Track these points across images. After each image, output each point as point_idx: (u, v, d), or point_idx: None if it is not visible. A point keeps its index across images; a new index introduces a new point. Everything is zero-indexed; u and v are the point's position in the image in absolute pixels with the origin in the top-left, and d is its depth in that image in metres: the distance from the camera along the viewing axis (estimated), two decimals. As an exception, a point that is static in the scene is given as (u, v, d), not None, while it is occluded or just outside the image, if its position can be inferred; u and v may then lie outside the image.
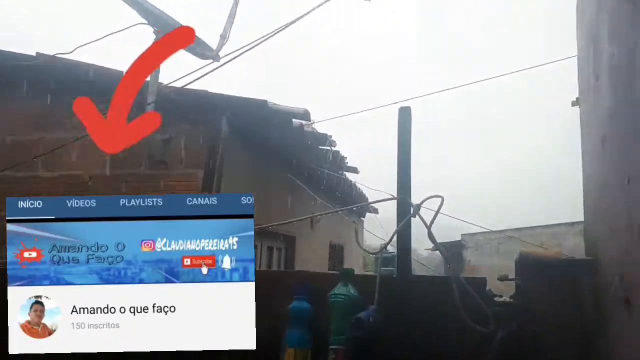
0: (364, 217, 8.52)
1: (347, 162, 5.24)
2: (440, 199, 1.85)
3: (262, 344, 1.85)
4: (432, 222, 1.86)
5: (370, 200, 6.24)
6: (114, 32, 3.60)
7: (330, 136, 4.39)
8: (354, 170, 5.58)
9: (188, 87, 3.56)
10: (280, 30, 2.71)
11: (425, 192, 1.92)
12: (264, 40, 2.72)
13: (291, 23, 2.72)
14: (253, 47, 2.70)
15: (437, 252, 2.20)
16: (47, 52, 3.61)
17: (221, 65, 2.74)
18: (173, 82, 3.06)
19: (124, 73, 3.71)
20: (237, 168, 3.95)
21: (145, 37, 3.57)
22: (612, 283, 1.44)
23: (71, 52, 3.47)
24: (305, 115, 3.74)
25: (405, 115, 2.07)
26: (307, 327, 1.78)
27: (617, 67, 1.45)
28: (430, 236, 1.87)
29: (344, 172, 5.61)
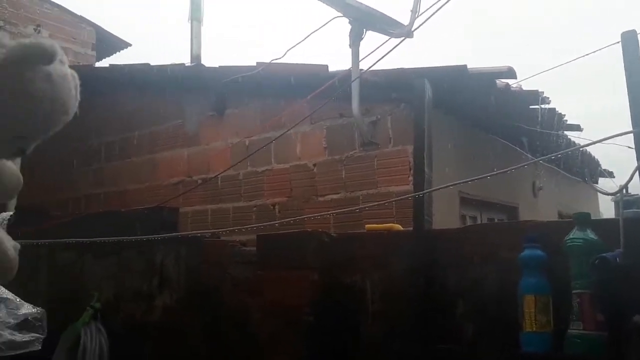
0: (596, 182, 7.60)
1: (566, 120, 4.77)
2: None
3: (492, 294, 1.86)
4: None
5: (598, 157, 5.58)
6: (316, 30, 3.96)
7: (542, 92, 4.07)
8: (577, 128, 5.03)
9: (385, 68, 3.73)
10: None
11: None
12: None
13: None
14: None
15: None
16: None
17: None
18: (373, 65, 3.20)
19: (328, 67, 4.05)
20: (442, 139, 3.96)
21: (340, 28, 3.82)
22: None
23: (283, 56, 3.94)
24: (509, 73, 3.54)
25: (629, 40, 1.84)
26: (543, 275, 1.71)
27: None
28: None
29: (564, 132, 5.10)
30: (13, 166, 1.37)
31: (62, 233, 2.83)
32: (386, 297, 2.05)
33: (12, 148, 1.18)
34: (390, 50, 2.94)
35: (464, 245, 1.95)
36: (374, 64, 3.16)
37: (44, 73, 1.08)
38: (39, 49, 1.07)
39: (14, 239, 3.01)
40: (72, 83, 1.16)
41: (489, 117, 4.41)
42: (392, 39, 3.64)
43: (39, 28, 7.72)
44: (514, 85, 3.98)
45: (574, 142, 5.31)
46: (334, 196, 4.03)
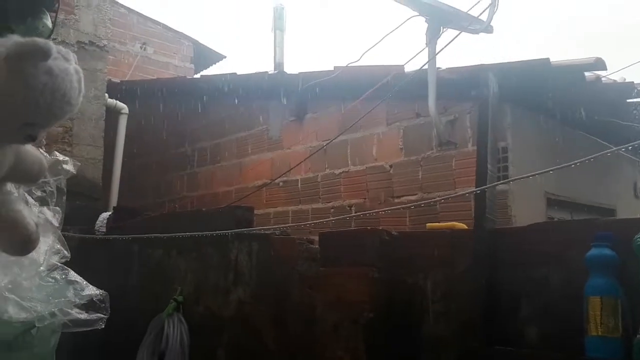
0: None
1: (670, 114, 4.32)
2: None
3: (557, 296, 1.76)
4: None
5: None
6: (392, 31, 3.96)
7: (639, 84, 3.74)
8: (685, 121, 4.54)
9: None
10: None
11: None
12: None
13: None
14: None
15: None
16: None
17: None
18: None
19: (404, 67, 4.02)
20: (526, 137, 3.77)
21: (417, 27, 3.79)
22: None
23: (359, 59, 3.98)
24: (598, 64, 3.29)
25: None
26: (612, 276, 1.59)
27: None
28: None
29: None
30: (36, 151, 1.55)
31: (150, 230, 3.09)
32: (447, 296, 2.01)
33: (23, 134, 1.35)
34: (452, 40, 2.87)
35: (528, 244, 1.88)
36: (439, 52, 3.09)
37: (46, 68, 1.26)
38: (33, 46, 1.24)
39: (113, 234, 3.32)
40: (74, 77, 1.32)
41: (578, 113, 4.12)
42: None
43: (144, 46, 8.44)
44: (606, 78, 3.71)
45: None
46: (410, 197, 3.99)
